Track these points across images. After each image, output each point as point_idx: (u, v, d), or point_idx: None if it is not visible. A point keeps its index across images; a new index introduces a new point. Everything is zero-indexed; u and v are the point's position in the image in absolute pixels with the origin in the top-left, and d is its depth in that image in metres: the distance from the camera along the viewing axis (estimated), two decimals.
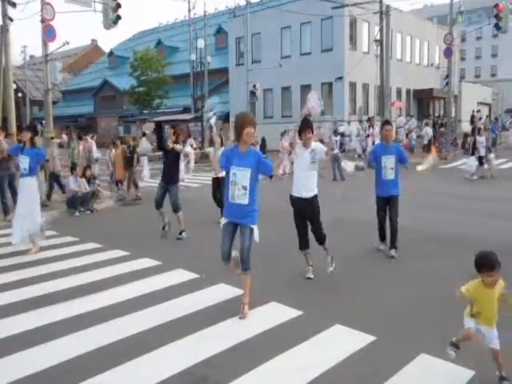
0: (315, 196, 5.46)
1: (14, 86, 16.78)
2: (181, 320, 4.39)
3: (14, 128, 13.27)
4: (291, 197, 5.53)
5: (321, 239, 5.54)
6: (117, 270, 5.98)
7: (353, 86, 26.80)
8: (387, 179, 6.44)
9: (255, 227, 4.48)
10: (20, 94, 39.68)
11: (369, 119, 24.08)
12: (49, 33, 13.18)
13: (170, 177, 7.92)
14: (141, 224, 9.12)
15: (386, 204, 6.52)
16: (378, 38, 21.49)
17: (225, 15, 38.57)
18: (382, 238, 6.70)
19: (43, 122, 15.91)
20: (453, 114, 25.99)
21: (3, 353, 3.77)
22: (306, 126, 5.35)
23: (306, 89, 27.88)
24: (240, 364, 3.54)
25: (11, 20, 13.47)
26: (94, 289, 5.25)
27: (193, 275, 5.68)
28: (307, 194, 5.39)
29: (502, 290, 3.17)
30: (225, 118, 31.64)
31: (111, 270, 5.99)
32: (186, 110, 33.26)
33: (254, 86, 25.63)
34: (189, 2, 30.35)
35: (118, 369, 3.51)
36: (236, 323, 4.30)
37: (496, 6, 19.04)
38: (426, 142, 21.01)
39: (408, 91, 31.40)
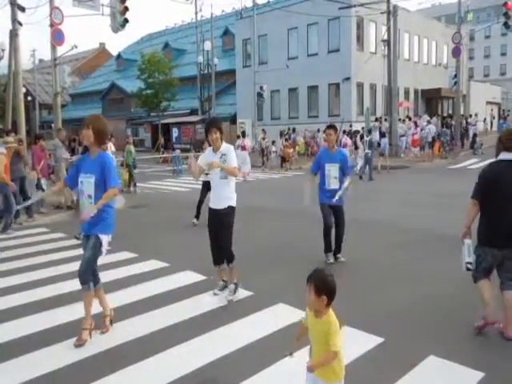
0: (228, 208, 4.84)
1: (24, 90, 16.96)
2: (189, 322, 4.39)
3: (23, 131, 13.41)
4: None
5: (227, 257, 4.96)
6: (124, 272, 6.01)
7: (360, 86, 26.72)
8: (330, 189, 6.05)
9: (104, 237, 3.95)
10: (29, 98, 40.13)
11: (376, 119, 24.03)
12: (57, 37, 13.32)
13: None
14: (147, 226, 9.16)
15: (331, 210, 6.11)
16: (386, 37, 21.45)
17: (231, 17, 38.70)
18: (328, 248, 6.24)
19: (52, 125, 16.06)
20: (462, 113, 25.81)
21: (11, 355, 3.80)
22: (212, 125, 4.80)
23: (313, 90, 27.93)
24: (248, 365, 3.53)
25: (20, 24, 13.63)
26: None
27: (200, 277, 5.69)
28: (217, 204, 4.87)
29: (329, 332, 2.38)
30: (232, 119, 31.70)
31: (119, 272, 6.01)
32: (193, 112, 33.41)
33: (261, 88, 25.68)
34: (196, 5, 30.55)
35: (126, 370, 3.53)
36: (244, 324, 4.30)
37: (505, 4, 18.91)
38: (430, 139, 21.17)
39: (416, 91, 31.24)
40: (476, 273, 4.05)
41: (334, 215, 6.17)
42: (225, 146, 4.85)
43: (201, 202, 8.91)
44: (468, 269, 4.07)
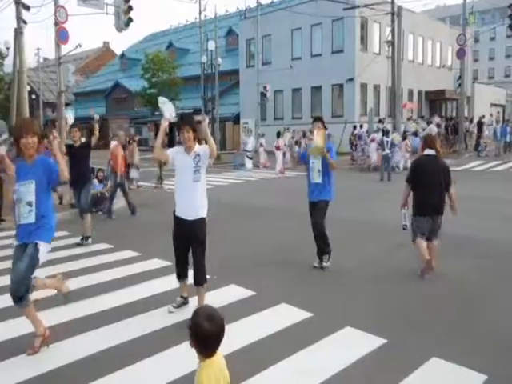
0: (201, 219, 4.32)
1: (28, 88, 16.99)
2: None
3: None
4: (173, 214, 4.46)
5: (200, 277, 4.40)
6: (127, 270, 6.02)
7: (364, 87, 26.68)
8: (314, 182, 5.85)
9: (42, 244, 3.67)
10: (33, 96, 40.19)
11: (380, 121, 23.98)
12: (62, 35, 13.34)
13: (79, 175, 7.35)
14: (151, 225, 9.16)
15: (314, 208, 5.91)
16: (390, 38, 21.38)
17: (235, 17, 38.69)
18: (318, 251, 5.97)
19: (56, 123, 16.08)
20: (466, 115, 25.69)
21: (12, 353, 3.80)
22: (185, 124, 4.35)
23: (316, 90, 27.90)
24: (249, 366, 3.53)
25: (25, 23, 13.66)
26: (104, 289, 5.29)
27: None
28: (188, 214, 4.33)
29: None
30: (235, 119, 31.70)
31: (122, 270, 6.02)
32: (196, 111, 33.40)
33: (265, 88, 25.64)
34: (199, 4, 30.49)
35: (127, 370, 3.53)
36: (247, 324, 4.30)
37: (510, 6, 18.80)
38: None
39: (420, 92, 31.16)
40: (414, 235, 5.58)
41: (314, 211, 5.87)
42: (199, 146, 4.39)
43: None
44: (404, 229, 5.73)
